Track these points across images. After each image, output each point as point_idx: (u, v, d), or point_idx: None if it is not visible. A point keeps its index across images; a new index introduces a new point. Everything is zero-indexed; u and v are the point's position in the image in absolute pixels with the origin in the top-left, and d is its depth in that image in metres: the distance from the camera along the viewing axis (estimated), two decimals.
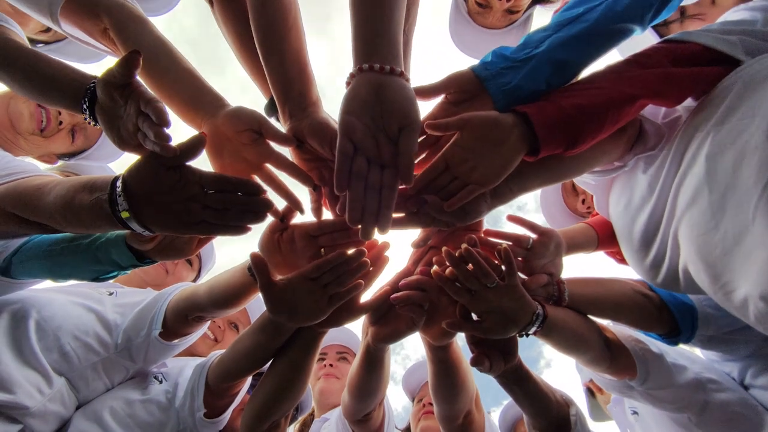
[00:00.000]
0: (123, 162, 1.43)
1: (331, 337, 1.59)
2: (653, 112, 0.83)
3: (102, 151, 1.34)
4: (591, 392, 1.56)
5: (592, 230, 1.08)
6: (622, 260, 1.02)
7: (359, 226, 0.67)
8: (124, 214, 0.65)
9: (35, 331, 0.97)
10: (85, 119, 0.71)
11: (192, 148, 0.66)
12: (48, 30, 1.20)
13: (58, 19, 0.82)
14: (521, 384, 0.92)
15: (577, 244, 1.06)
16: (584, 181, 1.00)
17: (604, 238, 1.06)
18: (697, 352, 1.18)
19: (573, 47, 0.71)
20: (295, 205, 0.79)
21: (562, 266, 0.96)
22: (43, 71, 0.74)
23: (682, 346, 1.06)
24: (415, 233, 0.88)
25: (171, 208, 0.65)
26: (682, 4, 0.86)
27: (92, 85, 0.69)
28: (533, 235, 0.93)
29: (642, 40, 0.78)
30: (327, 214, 0.82)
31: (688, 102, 0.77)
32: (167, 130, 0.62)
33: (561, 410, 0.96)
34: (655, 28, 1.04)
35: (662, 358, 0.97)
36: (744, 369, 1.05)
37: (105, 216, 0.66)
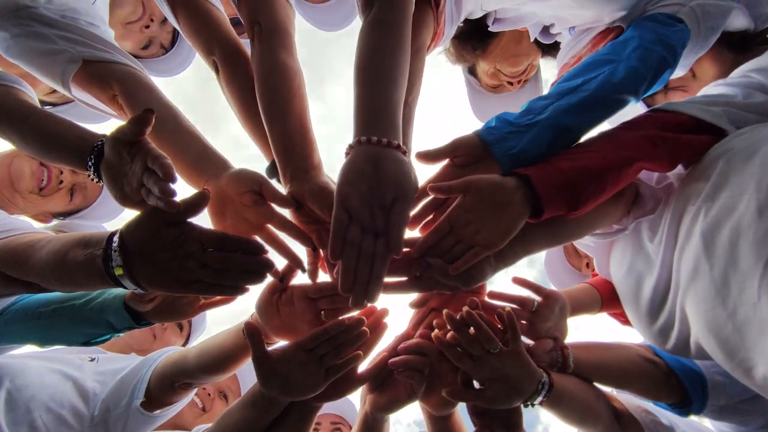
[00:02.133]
0: (119, 222, 1.43)
1: (326, 406, 1.49)
2: (647, 177, 0.86)
3: (98, 210, 1.34)
4: None
5: (595, 291, 1.06)
6: (626, 322, 1.01)
7: (349, 296, 0.66)
8: (117, 271, 0.63)
9: (5, 402, 0.91)
10: (89, 176, 0.72)
11: (195, 204, 0.66)
12: (56, 91, 1.25)
13: (69, 86, 0.86)
14: None
15: (580, 306, 1.04)
16: (584, 243, 1.01)
17: (608, 299, 1.05)
18: (707, 423, 1.13)
19: (574, 114, 0.75)
20: (296, 263, 0.78)
21: (567, 330, 0.93)
22: (52, 130, 0.76)
23: (692, 417, 1.01)
24: (413, 295, 0.87)
25: (168, 265, 0.64)
26: None
27: (99, 143, 0.71)
28: (537, 298, 0.92)
29: (630, 109, 0.83)
30: (324, 277, 0.81)
31: (679, 169, 0.81)
32: (173, 186, 0.62)
33: None
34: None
35: (672, 431, 0.92)
36: None
37: (97, 272, 0.64)
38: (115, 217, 1.40)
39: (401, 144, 0.68)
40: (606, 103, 0.78)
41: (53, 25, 0.87)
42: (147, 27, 1.34)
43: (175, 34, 1.44)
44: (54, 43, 0.86)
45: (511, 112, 0.78)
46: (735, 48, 0.98)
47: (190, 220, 0.67)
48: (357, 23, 0.83)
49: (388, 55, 0.74)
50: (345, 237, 0.64)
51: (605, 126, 0.83)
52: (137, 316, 0.89)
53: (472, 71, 1.48)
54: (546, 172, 0.70)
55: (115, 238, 0.64)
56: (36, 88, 1.06)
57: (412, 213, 0.72)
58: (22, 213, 1.19)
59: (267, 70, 0.83)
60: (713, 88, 0.87)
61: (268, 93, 0.82)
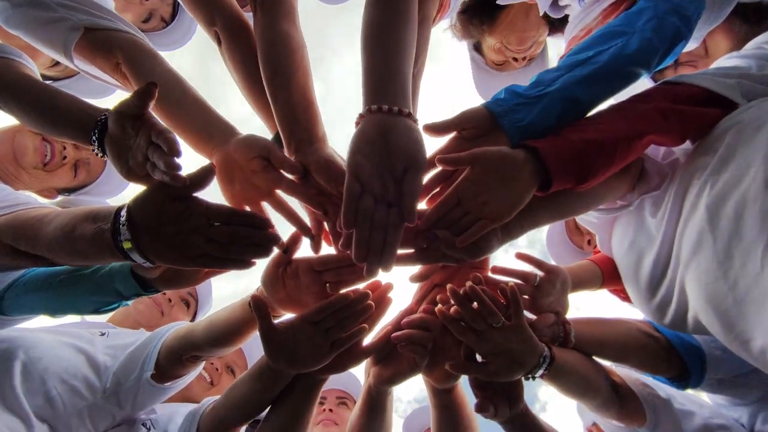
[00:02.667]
0: (122, 198, 1.43)
1: (332, 380, 1.52)
2: (653, 153, 0.85)
3: (103, 186, 1.34)
4: None
5: (596, 267, 1.07)
6: (626, 298, 1.02)
7: (364, 264, 0.67)
8: (126, 245, 0.64)
9: (21, 373, 0.93)
10: (93, 150, 0.72)
11: (200, 178, 0.66)
12: (57, 65, 1.24)
13: (72, 55, 0.85)
14: (528, 431, 0.88)
15: (582, 282, 1.05)
16: (587, 219, 1.01)
17: (609, 275, 1.06)
18: (704, 396, 1.15)
19: (585, 86, 0.74)
20: (304, 230, 0.78)
21: (568, 304, 0.95)
22: (55, 103, 0.76)
23: (689, 391, 1.03)
24: (415, 269, 0.88)
25: (174, 240, 0.64)
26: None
27: (103, 117, 0.70)
28: (540, 273, 0.92)
29: (638, 84, 0.82)
30: (326, 249, 0.82)
31: (686, 144, 0.80)
32: (177, 161, 0.62)
33: None
34: None
35: (670, 404, 0.95)
36: (754, 414, 1.01)
37: (106, 246, 0.65)
38: (120, 193, 1.41)
39: (411, 112, 0.68)
40: (618, 76, 0.76)
41: None
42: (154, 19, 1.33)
43: (175, 7, 1.41)
44: (54, 11, 0.84)
45: (520, 85, 0.77)
46: (749, 20, 0.96)
47: (196, 194, 0.67)
48: None
49: (396, 24, 0.73)
50: (358, 207, 0.64)
51: (613, 102, 0.82)
52: (144, 284, 0.89)
53: (477, 48, 1.45)
54: (555, 144, 0.70)
55: (123, 213, 0.65)
56: (37, 61, 1.05)
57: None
58: (28, 189, 1.19)
59: (270, 40, 0.82)
60: (726, 61, 0.85)
61: (271, 64, 0.81)
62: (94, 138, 0.71)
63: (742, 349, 0.65)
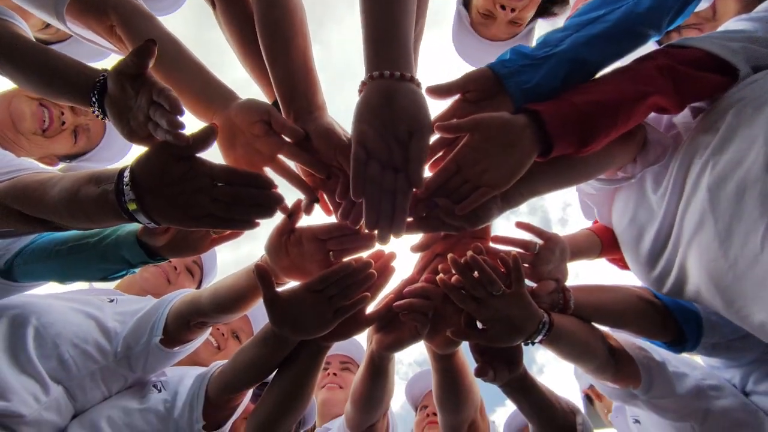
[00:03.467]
0: (124, 164, 1.43)
1: (335, 346, 1.56)
2: (655, 124, 0.84)
3: (104, 153, 1.33)
4: (590, 399, 1.56)
5: (595, 237, 1.08)
6: (624, 266, 1.03)
7: (375, 231, 0.67)
8: (131, 206, 0.64)
9: (34, 338, 0.96)
10: (94, 112, 0.71)
11: (204, 138, 0.65)
12: (48, 27, 1.20)
13: (64, 17, 0.82)
14: (526, 393, 0.91)
15: (580, 251, 1.06)
16: (587, 191, 1.01)
17: (608, 244, 1.07)
18: (698, 359, 1.19)
19: (594, 46, 0.72)
20: (309, 193, 0.78)
21: (567, 272, 0.96)
22: (52, 65, 0.74)
23: (683, 354, 1.06)
24: (416, 239, 0.88)
25: (178, 200, 0.64)
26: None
27: (102, 78, 0.69)
28: (539, 241, 0.93)
29: (645, 48, 0.80)
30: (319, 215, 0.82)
31: (687, 118, 0.78)
32: (180, 119, 0.61)
33: (567, 419, 0.95)
34: None
35: (665, 367, 0.97)
36: (746, 375, 1.05)
37: (111, 208, 0.65)
38: (120, 159, 1.39)
39: (414, 75, 0.66)
40: (628, 36, 0.74)
41: None
42: None
43: None
44: None
45: (526, 45, 0.75)
46: None
47: (199, 155, 0.66)
48: None
49: None
50: (365, 174, 0.64)
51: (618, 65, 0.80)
52: (151, 252, 0.90)
53: (465, 3, 1.40)
54: (557, 107, 0.69)
55: (126, 173, 0.64)
56: (27, 23, 1.02)
57: None
58: (29, 155, 1.18)
59: (267, 2, 0.79)
60: (734, 23, 0.82)
61: (269, 29, 0.78)
62: (93, 99, 0.69)
63: (741, 321, 0.67)
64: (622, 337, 1.03)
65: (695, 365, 1.10)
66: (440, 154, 0.75)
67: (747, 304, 0.64)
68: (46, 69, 0.74)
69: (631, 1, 0.74)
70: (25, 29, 0.84)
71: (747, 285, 0.63)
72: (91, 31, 0.87)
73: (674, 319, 0.96)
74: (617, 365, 0.94)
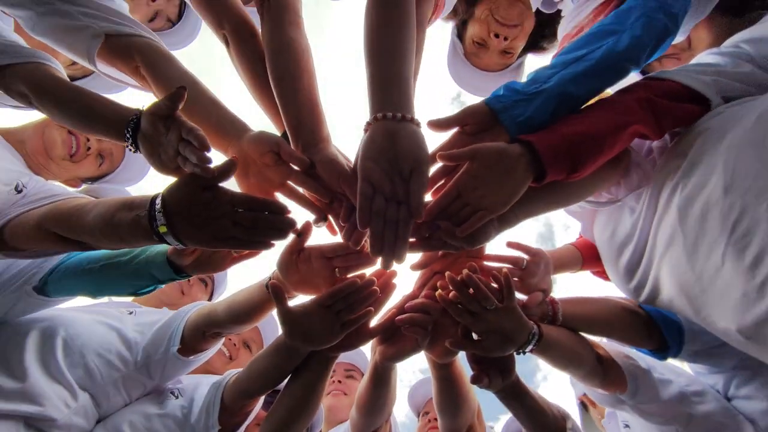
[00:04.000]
0: (139, 186, 1.52)
1: (340, 355, 1.64)
2: (637, 149, 0.91)
3: (123, 175, 1.42)
4: (584, 406, 1.62)
5: (577, 251, 1.17)
6: (607, 279, 1.11)
7: (379, 258, 0.74)
8: (162, 229, 0.72)
9: (62, 348, 1.03)
10: (128, 146, 0.79)
11: (226, 171, 0.73)
12: (75, 64, 1.28)
13: (95, 60, 0.90)
14: (519, 399, 0.97)
15: (563, 264, 1.15)
16: (571, 208, 1.08)
17: (588, 258, 1.16)
18: (685, 366, 1.24)
19: (579, 83, 0.79)
20: (317, 212, 0.85)
21: (551, 283, 1.03)
22: (91, 105, 0.83)
23: (669, 361, 1.12)
24: (416, 258, 0.95)
25: (204, 224, 0.72)
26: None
27: (135, 117, 0.77)
28: (526, 256, 1.00)
29: (627, 79, 0.86)
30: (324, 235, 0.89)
31: (664, 143, 0.86)
32: (208, 154, 0.70)
33: (558, 423, 1.02)
34: None
35: (650, 373, 1.03)
36: (728, 381, 1.10)
37: (143, 231, 0.73)
38: (138, 181, 1.49)
39: (414, 117, 0.73)
40: (610, 71, 0.81)
41: (74, 2, 0.90)
42: (153, 0, 1.36)
43: (181, 8, 1.44)
44: (77, 20, 0.89)
45: (518, 82, 0.82)
46: (730, 12, 0.99)
47: (221, 184, 0.74)
48: None
49: (395, 32, 0.77)
50: (371, 207, 0.70)
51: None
52: (177, 269, 0.98)
53: (460, 35, 1.47)
54: (548, 137, 0.75)
55: (158, 201, 0.73)
56: (57, 59, 1.10)
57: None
58: (56, 179, 1.26)
59: (277, 47, 0.86)
60: (706, 57, 0.89)
61: (278, 69, 0.86)
62: (128, 135, 0.78)
63: (710, 328, 0.74)
64: (609, 346, 1.08)
65: (680, 372, 1.16)
66: (441, 182, 0.81)
67: (712, 312, 0.70)
68: (84, 109, 0.83)
69: (611, 40, 0.81)
70: (61, 71, 0.93)
71: (711, 295, 0.69)
72: (118, 71, 0.95)
73: (658, 328, 1.02)
74: (605, 372, 1.00)
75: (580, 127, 0.76)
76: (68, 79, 0.90)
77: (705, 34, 1.04)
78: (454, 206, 0.76)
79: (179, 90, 0.72)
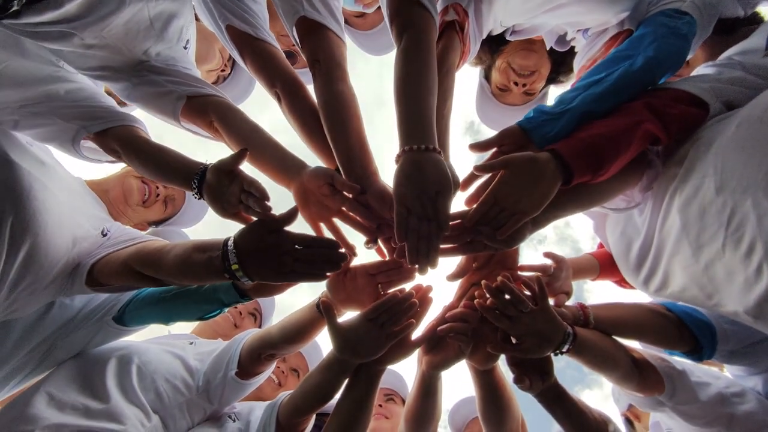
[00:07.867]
0: (194, 230, 1.69)
1: (381, 380, 1.68)
2: None
3: (183, 217, 1.60)
4: (629, 422, 1.60)
5: (594, 260, 1.28)
6: (627, 286, 1.20)
7: (416, 266, 0.85)
8: (234, 267, 0.85)
9: (137, 373, 1.15)
10: (194, 195, 0.95)
11: (289, 217, 0.87)
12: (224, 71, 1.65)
13: (179, 119, 1.09)
14: (559, 401, 1.01)
15: (582, 270, 1.26)
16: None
17: (605, 266, 1.26)
18: (725, 371, 1.26)
19: (599, 101, 0.91)
20: (369, 234, 0.97)
21: (572, 287, 1.14)
22: (166, 159, 1.01)
23: (708, 366, 1.15)
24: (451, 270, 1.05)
25: (270, 262, 0.85)
26: None
27: (201, 169, 0.93)
28: (553, 263, 1.10)
29: None
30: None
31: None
32: (269, 203, 0.84)
33: (600, 427, 1.04)
34: None
35: (686, 375, 1.07)
36: (767, 381, 1.12)
37: (215, 269, 0.86)
38: (196, 224, 1.67)
39: (436, 147, 0.85)
40: (627, 89, 0.92)
41: (161, 72, 1.10)
42: (223, 71, 1.65)
43: (231, 67, 1.70)
44: (163, 87, 1.09)
45: (545, 105, 0.94)
46: (723, 31, 1.10)
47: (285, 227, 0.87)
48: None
49: (419, 79, 0.91)
50: (407, 226, 0.82)
51: None
52: (242, 293, 1.11)
53: (487, 76, 1.62)
54: (569, 142, 0.85)
55: (230, 243, 0.86)
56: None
57: (468, 193, 0.89)
58: (129, 223, 1.44)
59: (329, 98, 1.01)
60: (703, 69, 1.01)
61: (330, 117, 1.00)
62: (194, 185, 0.94)
63: (721, 312, 0.82)
64: (644, 350, 1.13)
65: (719, 375, 1.18)
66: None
67: (721, 296, 0.79)
68: (161, 162, 1.01)
69: (627, 63, 0.93)
70: (146, 131, 1.12)
71: (717, 283, 0.78)
72: (195, 126, 1.14)
73: (688, 329, 1.06)
74: (641, 374, 1.05)
75: (596, 129, 0.87)
76: (150, 137, 1.09)
77: (700, 52, 1.17)
78: (492, 212, 0.85)
79: (242, 151, 0.88)
